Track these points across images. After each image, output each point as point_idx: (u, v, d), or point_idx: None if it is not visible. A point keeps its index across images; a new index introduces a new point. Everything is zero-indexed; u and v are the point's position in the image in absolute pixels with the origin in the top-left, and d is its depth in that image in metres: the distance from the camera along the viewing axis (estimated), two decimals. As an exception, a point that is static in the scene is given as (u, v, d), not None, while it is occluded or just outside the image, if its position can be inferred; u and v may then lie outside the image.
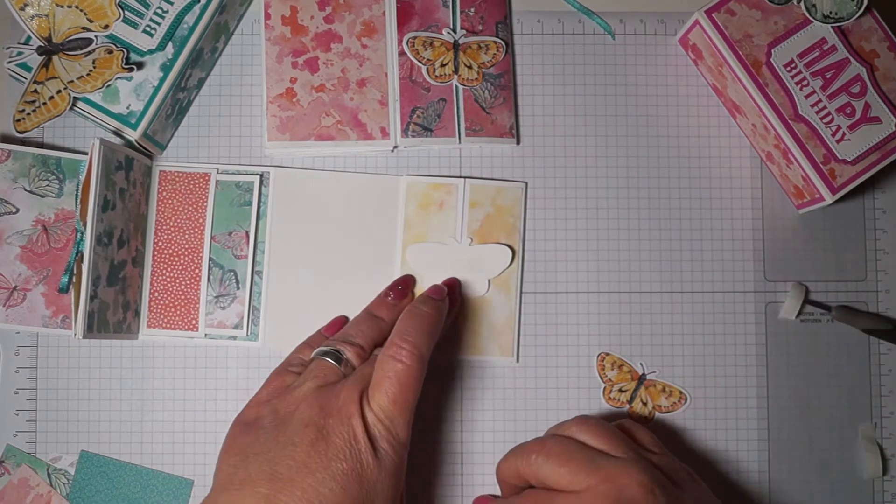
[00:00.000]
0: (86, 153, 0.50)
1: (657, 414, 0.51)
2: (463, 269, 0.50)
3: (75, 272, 0.46)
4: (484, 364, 0.51)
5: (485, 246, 0.51)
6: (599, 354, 0.51)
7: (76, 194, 0.48)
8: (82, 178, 0.46)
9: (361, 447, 0.40)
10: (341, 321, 0.50)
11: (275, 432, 0.41)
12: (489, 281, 0.51)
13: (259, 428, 0.42)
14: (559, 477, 0.42)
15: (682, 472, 0.44)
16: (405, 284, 0.50)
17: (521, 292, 0.51)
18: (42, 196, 0.50)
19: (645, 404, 0.51)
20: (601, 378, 0.51)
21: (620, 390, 0.51)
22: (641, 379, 0.51)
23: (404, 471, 0.43)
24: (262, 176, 0.51)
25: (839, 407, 0.52)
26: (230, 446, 0.42)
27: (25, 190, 0.49)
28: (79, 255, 0.46)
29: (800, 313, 0.51)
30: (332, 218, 0.51)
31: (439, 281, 0.50)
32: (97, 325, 0.45)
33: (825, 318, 0.52)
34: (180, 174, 0.51)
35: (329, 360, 0.44)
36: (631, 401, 0.51)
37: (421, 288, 0.51)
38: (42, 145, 0.51)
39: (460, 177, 0.51)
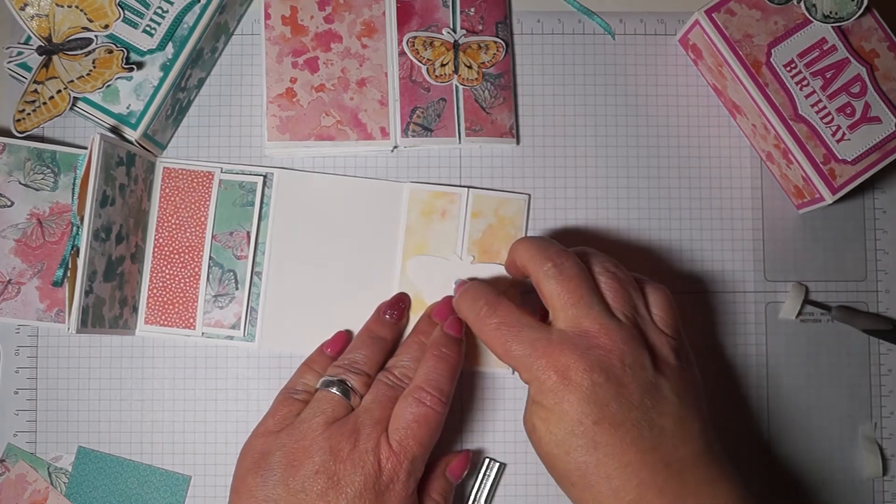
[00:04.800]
0: (81, 147, 0.51)
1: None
2: None
3: (70, 266, 0.46)
4: (483, 375, 0.51)
5: (486, 266, 0.50)
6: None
7: (73, 188, 0.48)
8: (80, 172, 0.46)
9: (373, 496, 0.41)
10: (344, 337, 0.49)
11: (284, 476, 0.41)
12: None
13: (268, 468, 0.42)
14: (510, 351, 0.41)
15: (663, 346, 0.41)
16: (404, 304, 0.50)
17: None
18: (37, 189, 0.50)
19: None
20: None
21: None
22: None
23: None
24: (265, 177, 0.51)
25: (839, 407, 0.51)
26: (240, 486, 0.42)
27: (20, 183, 0.50)
28: (74, 250, 0.46)
29: (800, 313, 0.51)
30: (334, 221, 0.51)
31: (439, 296, 0.50)
32: (91, 320, 0.45)
33: (825, 318, 0.52)
34: (184, 171, 0.51)
35: (336, 391, 0.44)
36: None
37: (420, 302, 0.50)
38: (42, 141, 0.51)
39: (463, 186, 0.51)
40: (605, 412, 0.38)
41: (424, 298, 0.50)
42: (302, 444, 0.42)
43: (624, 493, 0.38)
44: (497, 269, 0.50)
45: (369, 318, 0.50)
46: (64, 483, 0.50)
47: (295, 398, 0.46)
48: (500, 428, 0.51)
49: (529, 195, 0.52)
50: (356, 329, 0.50)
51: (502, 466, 0.51)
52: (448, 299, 0.49)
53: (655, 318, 0.42)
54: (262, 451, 0.43)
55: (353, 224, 0.51)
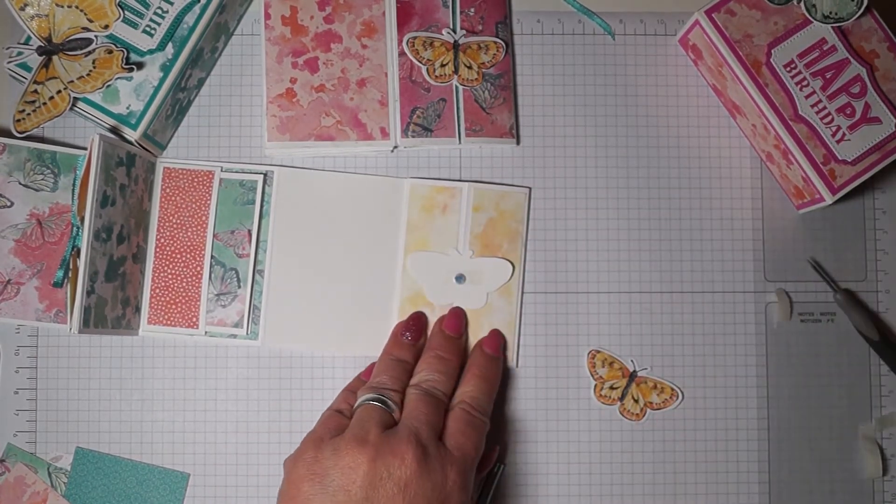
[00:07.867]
0: (81, 147, 0.51)
1: (649, 411, 0.51)
2: (462, 281, 0.51)
3: (70, 267, 0.46)
4: None
5: (485, 259, 0.51)
6: (590, 352, 0.51)
7: (73, 189, 0.48)
8: (80, 173, 0.46)
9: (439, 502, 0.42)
10: None
11: (344, 482, 0.41)
12: (487, 294, 0.51)
13: (324, 475, 0.41)
14: None
15: None
16: (420, 323, 0.50)
17: (522, 299, 0.51)
18: (37, 190, 0.50)
19: (636, 401, 0.51)
20: (591, 375, 0.51)
21: (611, 387, 0.51)
22: (632, 376, 0.51)
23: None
24: (265, 175, 0.51)
25: (839, 407, 0.52)
26: (295, 493, 0.42)
27: (20, 184, 0.50)
28: (74, 251, 0.46)
29: (791, 315, 0.51)
30: (335, 218, 0.51)
31: (440, 292, 0.50)
32: (94, 321, 0.45)
33: (825, 319, 0.52)
34: (184, 171, 0.51)
35: (377, 404, 0.44)
36: (622, 398, 0.51)
37: (422, 298, 0.50)
38: (42, 141, 0.51)
39: (464, 180, 0.51)
40: None
41: (426, 294, 0.50)
42: (359, 449, 0.41)
43: None
44: (497, 263, 0.50)
45: (388, 342, 0.50)
46: (63, 483, 0.50)
47: (342, 414, 0.46)
48: (500, 428, 0.51)
49: (530, 188, 0.52)
50: (360, 331, 0.50)
51: (502, 466, 0.51)
52: (456, 311, 0.50)
53: None
54: (316, 458, 0.42)
55: (355, 220, 0.51)
